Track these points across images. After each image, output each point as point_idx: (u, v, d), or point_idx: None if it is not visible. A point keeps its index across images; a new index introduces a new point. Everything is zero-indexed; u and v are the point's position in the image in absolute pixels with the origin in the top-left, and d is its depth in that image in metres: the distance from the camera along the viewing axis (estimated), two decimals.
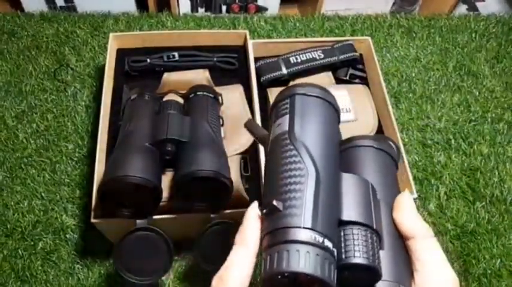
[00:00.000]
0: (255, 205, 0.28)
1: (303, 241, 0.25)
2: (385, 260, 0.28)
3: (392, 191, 0.32)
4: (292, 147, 0.30)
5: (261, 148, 0.69)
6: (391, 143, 0.36)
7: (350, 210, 0.29)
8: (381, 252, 0.28)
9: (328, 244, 0.26)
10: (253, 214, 0.28)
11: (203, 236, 0.59)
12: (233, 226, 0.59)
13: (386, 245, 0.29)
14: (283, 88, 0.34)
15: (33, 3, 1.03)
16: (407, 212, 0.30)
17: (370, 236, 0.28)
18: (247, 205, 0.70)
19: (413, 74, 0.98)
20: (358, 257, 0.27)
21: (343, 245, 0.27)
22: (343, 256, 0.27)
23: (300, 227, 0.26)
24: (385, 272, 0.28)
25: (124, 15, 1.04)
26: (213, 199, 0.59)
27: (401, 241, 0.30)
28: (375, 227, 0.28)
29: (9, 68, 0.92)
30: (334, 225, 0.28)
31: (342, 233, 0.28)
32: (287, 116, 0.32)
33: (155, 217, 0.60)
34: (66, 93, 0.89)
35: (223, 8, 1.09)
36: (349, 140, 0.35)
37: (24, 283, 0.69)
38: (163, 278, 0.69)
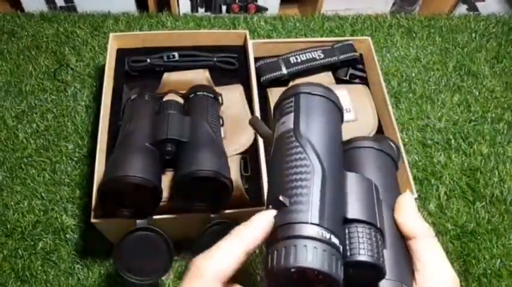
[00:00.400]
0: (272, 211, 0.27)
1: (310, 236, 0.25)
2: (388, 259, 0.28)
3: (392, 191, 0.32)
4: (297, 144, 0.30)
5: (261, 148, 0.69)
6: (391, 143, 0.36)
7: (354, 208, 0.29)
8: (384, 251, 0.29)
9: (334, 240, 0.26)
10: (265, 215, 0.27)
11: (203, 236, 0.59)
12: (233, 226, 0.59)
13: (389, 244, 0.29)
14: (286, 87, 0.35)
15: (33, 3, 1.03)
16: (408, 213, 0.30)
17: (374, 235, 0.28)
18: (247, 205, 0.70)
19: (413, 74, 0.98)
20: (363, 254, 0.27)
21: (348, 242, 0.27)
22: (348, 254, 0.27)
23: (307, 223, 0.26)
24: (387, 271, 0.28)
25: (124, 15, 1.04)
26: (213, 199, 0.59)
27: (402, 240, 0.30)
28: (378, 225, 0.29)
29: (9, 68, 0.92)
30: (339, 222, 0.28)
31: (347, 231, 0.28)
32: (292, 114, 0.32)
33: (155, 217, 0.60)
34: (66, 93, 0.89)
35: (223, 8, 1.09)
36: (350, 141, 0.35)
37: (24, 283, 0.69)
38: (163, 278, 0.69)
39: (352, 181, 0.30)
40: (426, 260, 0.28)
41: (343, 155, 0.33)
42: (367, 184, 0.30)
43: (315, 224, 0.26)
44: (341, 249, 0.26)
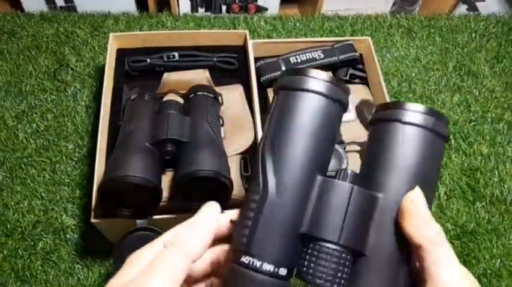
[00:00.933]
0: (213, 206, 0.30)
1: (246, 265, 0.26)
2: (372, 281, 0.27)
3: (428, 184, 0.28)
4: (260, 159, 0.28)
5: None
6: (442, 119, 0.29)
7: (315, 225, 0.26)
8: (367, 271, 0.27)
9: (268, 267, 0.26)
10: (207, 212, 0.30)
11: None
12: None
13: (376, 264, 0.27)
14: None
15: (33, 3, 1.03)
16: (413, 219, 0.26)
17: (336, 255, 0.26)
18: None
19: (413, 74, 0.98)
20: (315, 278, 0.26)
21: (304, 261, 0.26)
22: (304, 270, 0.26)
23: (245, 253, 0.26)
24: None
25: (124, 15, 1.04)
26: (213, 199, 0.59)
27: (398, 255, 0.27)
28: (341, 242, 0.26)
29: (9, 68, 0.92)
30: (288, 245, 0.26)
31: (309, 246, 0.27)
32: (268, 118, 0.29)
33: (155, 217, 0.60)
34: (66, 93, 0.89)
35: (223, 8, 1.09)
36: (396, 106, 0.29)
37: (24, 283, 0.69)
38: None
39: (325, 190, 0.27)
40: (435, 273, 0.25)
41: (377, 125, 0.30)
42: (344, 194, 0.27)
43: (250, 254, 0.26)
44: (286, 272, 0.26)
